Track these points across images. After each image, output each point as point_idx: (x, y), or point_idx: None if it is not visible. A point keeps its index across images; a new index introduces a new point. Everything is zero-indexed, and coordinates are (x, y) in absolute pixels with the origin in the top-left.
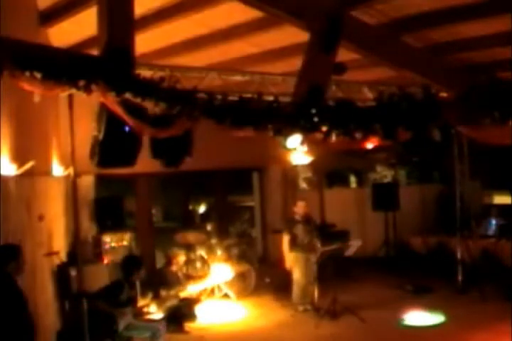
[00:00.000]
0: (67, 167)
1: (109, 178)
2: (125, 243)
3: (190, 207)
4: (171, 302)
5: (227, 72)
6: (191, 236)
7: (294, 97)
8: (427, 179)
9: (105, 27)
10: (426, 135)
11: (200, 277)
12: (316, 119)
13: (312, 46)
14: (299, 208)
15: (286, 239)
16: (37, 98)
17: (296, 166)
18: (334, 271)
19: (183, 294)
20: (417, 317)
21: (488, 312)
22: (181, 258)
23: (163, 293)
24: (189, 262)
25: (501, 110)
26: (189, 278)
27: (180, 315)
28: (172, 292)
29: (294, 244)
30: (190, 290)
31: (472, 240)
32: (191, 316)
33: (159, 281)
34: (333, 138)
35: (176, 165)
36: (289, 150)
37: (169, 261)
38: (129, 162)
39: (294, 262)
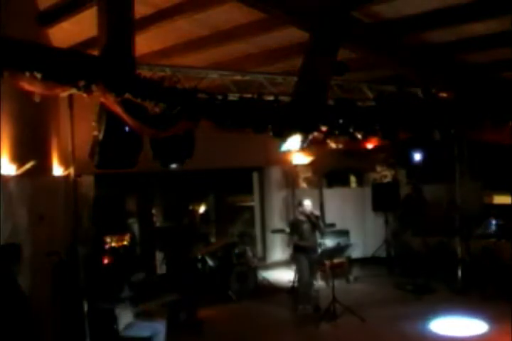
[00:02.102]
0: (67, 167)
1: (109, 178)
2: (125, 243)
3: (190, 207)
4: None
5: (227, 72)
6: None
7: (293, 97)
8: (427, 179)
9: (105, 27)
10: (426, 135)
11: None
12: (316, 119)
13: (312, 46)
14: (306, 207)
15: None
16: (37, 98)
17: (296, 166)
18: (334, 270)
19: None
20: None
21: (489, 313)
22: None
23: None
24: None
25: (501, 110)
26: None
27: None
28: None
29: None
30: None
31: (472, 240)
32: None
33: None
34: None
35: (177, 164)
36: (287, 152)
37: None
38: (129, 164)
39: (296, 262)
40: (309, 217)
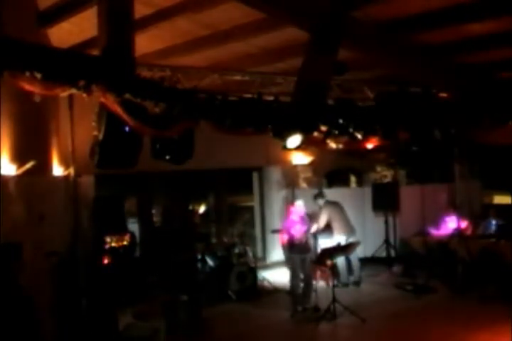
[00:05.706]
0: (67, 167)
1: (109, 178)
2: (125, 243)
3: (190, 207)
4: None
5: (227, 72)
6: None
7: (294, 97)
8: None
9: (105, 27)
10: (426, 135)
11: None
12: (316, 119)
13: (312, 46)
14: (298, 208)
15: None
16: (37, 98)
17: (296, 166)
18: (333, 270)
19: None
20: None
21: (488, 312)
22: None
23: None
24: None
25: (501, 110)
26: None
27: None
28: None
29: (291, 244)
30: None
31: (472, 240)
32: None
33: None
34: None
35: (178, 163)
36: (289, 150)
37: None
38: (130, 163)
39: (289, 262)
40: (301, 217)
